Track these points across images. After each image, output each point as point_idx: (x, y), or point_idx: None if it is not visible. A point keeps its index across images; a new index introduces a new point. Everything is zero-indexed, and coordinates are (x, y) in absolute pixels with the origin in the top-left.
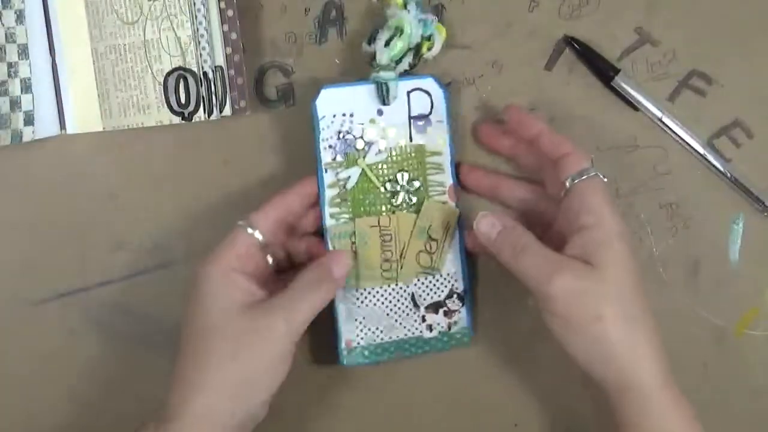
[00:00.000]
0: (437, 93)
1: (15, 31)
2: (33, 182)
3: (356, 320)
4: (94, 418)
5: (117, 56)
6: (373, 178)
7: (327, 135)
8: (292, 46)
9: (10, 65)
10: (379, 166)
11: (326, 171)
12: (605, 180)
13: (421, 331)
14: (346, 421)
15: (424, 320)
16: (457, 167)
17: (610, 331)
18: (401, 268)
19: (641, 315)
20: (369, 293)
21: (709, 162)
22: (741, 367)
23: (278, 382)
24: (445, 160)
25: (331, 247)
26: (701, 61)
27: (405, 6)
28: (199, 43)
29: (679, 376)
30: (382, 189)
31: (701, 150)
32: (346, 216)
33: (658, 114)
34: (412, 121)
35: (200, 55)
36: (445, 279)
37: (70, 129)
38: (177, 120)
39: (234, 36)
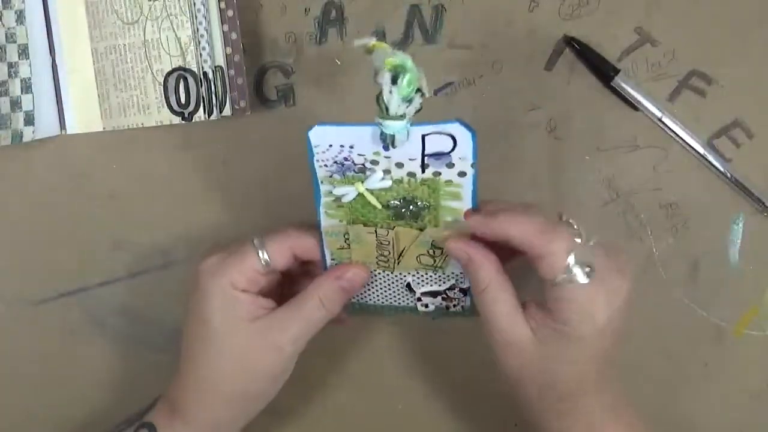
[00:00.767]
0: (464, 136)
1: (15, 32)
2: (33, 182)
3: None
4: (94, 418)
5: (117, 56)
6: (373, 201)
7: (322, 158)
8: (292, 46)
9: (10, 65)
10: (382, 191)
11: (322, 183)
12: (588, 272)
13: (415, 306)
14: (346, 423)
15: (419, 300)
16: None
17: (547, 402)
18: (398, 264)
19: (594, 385)
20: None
21: (709, 162)
22: (741, 367)
23: (279, 387)
24: (465, 190)
25: (325, 241)
26: (701, 61)
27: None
28: (199, 43)
29: (679, 376)
30: (383, 210)
31: (701, 150)
32: (342, 221)
33: (658, 114)
34: (426, 157)
35: (200, 55)
36: (448, 276)
37: (70, 129)
38: (177, 120)
39: (234, 36)
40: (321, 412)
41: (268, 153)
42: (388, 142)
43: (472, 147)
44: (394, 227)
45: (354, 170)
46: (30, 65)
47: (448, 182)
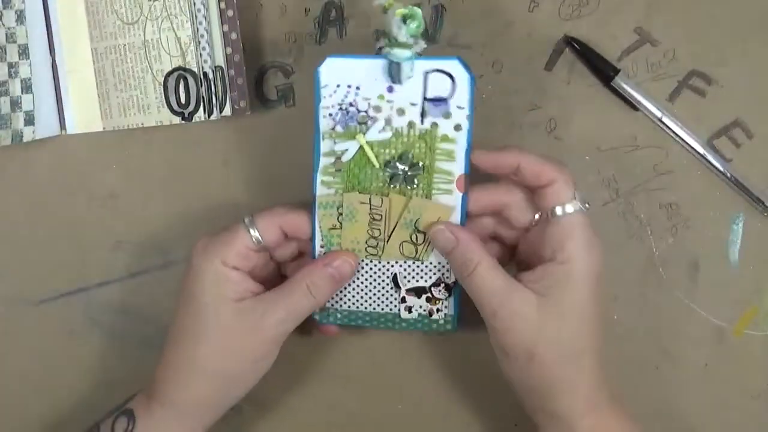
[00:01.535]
0: (462, 77)
1: (15, 32)
2: (33, 182)
3: None
4: (95, 418)
5: (117, 56)
6: (372, 157)
7: (328, 103)
8: (292, 46)
9: (10, 65)
10: (381, 145)
11: (323, 139)
12: (587, 208)
13: (398, 310)
14: (346, 423)
15: (403, 301)
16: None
17: (537, 368)
18: (385, 248)
19: (579, 350)
20: None
21: (709, 162)
22: (741, 367)
23: (261, 375)
24: (459, 148)
25: (317, 218)
26: (701, 61)
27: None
28: (199, 43)
29: (679, 376)
30: (380, 168)
31: (701, 150)
32: (338, 187)
33: (658, 114)
34: (426, 102)
35: (200, 55)
36: (435, 267)
37: (70, 129)
38: (177, 120)
39: (234, 36)
40: (321, 412)
41: (268, 153)
42: (394, 73)
43: (469, 93)
44: (388, 194)
45: (357, 120)
46: (30, 65)
47: (444, 138)
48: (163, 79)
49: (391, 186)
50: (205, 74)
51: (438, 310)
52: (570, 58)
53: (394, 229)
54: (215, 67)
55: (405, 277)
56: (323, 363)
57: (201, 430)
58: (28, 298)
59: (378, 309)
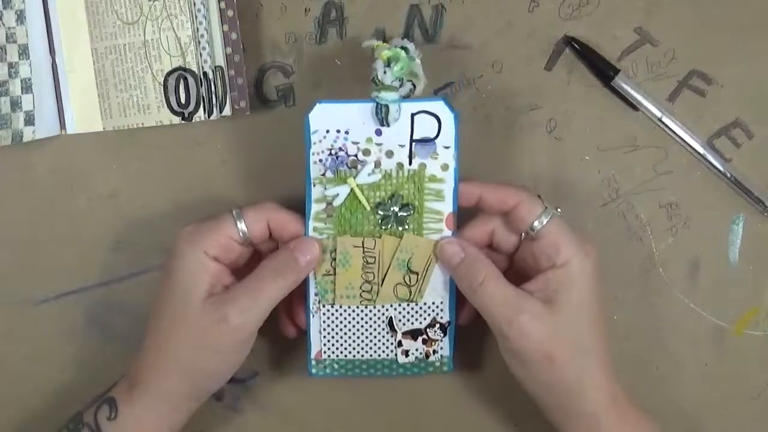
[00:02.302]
0: (447, 116)
1: (15, 32)
2: (33, 182)
3: (329, 334)
4: None
5: (117, 56)
6: (363, 199)
7: (318, 149)
8: (292, 46)
9: (10, 65)
10: (371, 188)
11: (314, 185)
12: (560, 212)
13: (395, 355)
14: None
15: (400, 345)
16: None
17: (558, 369)
18: (380, 292)
19: (592, 347)
20: (345, 310)
21: (709, 162)
22: (741, 367)
23: (235, 368)
24: (447, 187)
25: None
26: (701, 61)
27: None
28: (199, 43)
29: (679, 376)
30: (371, 211)
31: (701, 150)
32: (330, 232)
33: (658, 114)
34: (414, 144)
35: (200, 55)
36: (429, 307)
37: (70, 129)
38: (177, 120)
39: (234, 36)
40: (320, 412)
41: (268, 153)
42: (382, 116)
43: (455, 131)
44: (381, 236)
45: (347, 164)
46: (30, 65)
47: (432, 177)
48: (163, 79)
49: (383, 228)
50: (205, 74)
51: (434, 352)
52: (570, 58)
53: (387, 271)
54: (215, 67)
55: (400, 320)
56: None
57: (183, 416)
58: (28, 298)
59: (375, 355)
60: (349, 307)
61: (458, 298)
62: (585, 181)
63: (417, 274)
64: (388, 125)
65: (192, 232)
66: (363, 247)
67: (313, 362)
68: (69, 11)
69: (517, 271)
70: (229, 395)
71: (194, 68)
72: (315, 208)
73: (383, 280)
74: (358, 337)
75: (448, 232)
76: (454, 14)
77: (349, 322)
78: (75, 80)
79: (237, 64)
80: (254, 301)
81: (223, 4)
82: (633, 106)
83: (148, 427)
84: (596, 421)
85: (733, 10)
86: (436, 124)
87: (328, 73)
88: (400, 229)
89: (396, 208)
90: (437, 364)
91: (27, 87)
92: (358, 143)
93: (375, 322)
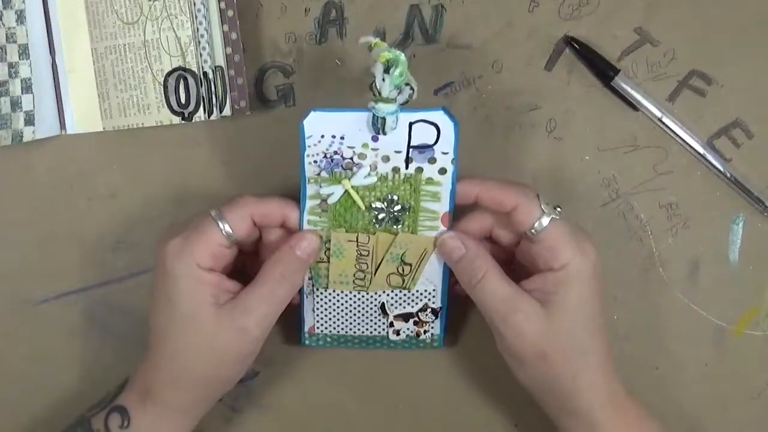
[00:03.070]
0: (447, 126)
1: (15, 32)
2: (33, 182)
3: (322, 313)
4: None
5: (117, 56)
6: (357, 200)
7: (313, 152)
8: (292, 46)
9: (10, 65)
10: (366, 188)
11: (309, 183)
12: (560, 211)
13: (387, 333)
14: (344, 425)
15: (391, 325)
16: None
17: (552, 368)
18: (372, 281)
19: (590, 346)
20: (338, 294)
21: (709, 162)
22: (741, 367)
23: (243, 373)
24: (444, 189)
25: None
26: (701, 61)
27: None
28: (199, 43)
29: (679, 376)
30: (366, 210)
31: (701, 150)
32: (325, 225)
33: (658, 114)
34: (411, 149)
35: (200, 55)
36: (421, 294)
37: (70, 129)
38: (177, 120)
39: (234, 36)
40: (320, 412)
41: (268, 153)
42: (379, 126)
43: (454, 139)
44: (375, 233)
45: (342, 166)
46: (30, 65)
47: (429, 181)
48: (163, 79)
49: (377, 226)
50: (205, 74)
51: (425, 332)
52: (570, 58)
53: (381, 263)
54: (215, 67)
55: (392, 305)
56: (322, 364)
57: (196, 420)
58: (28, 298)
59: (367, 332)
60: (342, 292)
61: (451, 280)
62: (585, 181)
63: (410, 265)
64: (385, 134)
65: (178, 246)
66: (357, 242)
67: (306, 335)
68: (69, 11)
69: (519, 264)
70: (228, 395)
71: (194, 68)
72: (309, 203)
73: (376, 270)
74: (351, 317)
75: (443, 229)
76: (454, 14)
77: (342, 305)
78: (75, 80)
79: (237, 64)
80: (269, 308)
81: (223, 4)
82: (633, 106)
83: None
84: (592, 419)
85: (733, 10)
86: (435, 132)
87: (328, 73)
88: (395, 227)
89: (392, 209)
90: (428, 341)
91: (27, 87)
92: (353, 147)
93: (367, 306)
